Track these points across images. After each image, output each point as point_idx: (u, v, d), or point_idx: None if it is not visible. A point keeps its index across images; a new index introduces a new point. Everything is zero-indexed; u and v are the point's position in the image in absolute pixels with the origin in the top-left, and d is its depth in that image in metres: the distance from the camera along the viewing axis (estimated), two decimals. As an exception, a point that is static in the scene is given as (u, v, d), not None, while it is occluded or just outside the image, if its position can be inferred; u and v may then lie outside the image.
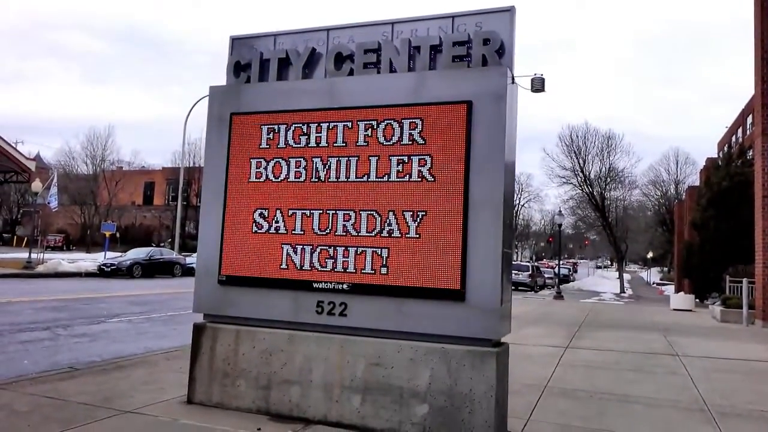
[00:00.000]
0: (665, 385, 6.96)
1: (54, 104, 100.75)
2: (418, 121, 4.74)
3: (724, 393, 6.61)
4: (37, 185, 28.02)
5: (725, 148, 40.26)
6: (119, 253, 33.01)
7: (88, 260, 31.26)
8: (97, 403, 5.16)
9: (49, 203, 32.14)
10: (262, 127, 5.25)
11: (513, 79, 4.76)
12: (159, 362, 7.17)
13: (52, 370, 6.58)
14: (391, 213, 4.74)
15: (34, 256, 27.18)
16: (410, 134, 4.76)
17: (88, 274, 25.70)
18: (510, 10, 4.83)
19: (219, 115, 5.47)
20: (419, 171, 4.70)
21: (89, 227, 56.84)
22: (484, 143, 4.56)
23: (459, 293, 4.48)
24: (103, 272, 25.91)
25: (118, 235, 49.18)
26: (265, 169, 5.21)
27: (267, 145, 5.23)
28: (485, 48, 4.75)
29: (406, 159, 4.75)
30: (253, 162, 5.25)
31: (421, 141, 4.72)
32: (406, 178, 4.73)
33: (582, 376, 7.31)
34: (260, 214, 5.18)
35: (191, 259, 28.50)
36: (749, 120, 38.19)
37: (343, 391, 4.73)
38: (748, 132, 37.74)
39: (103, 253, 34.98)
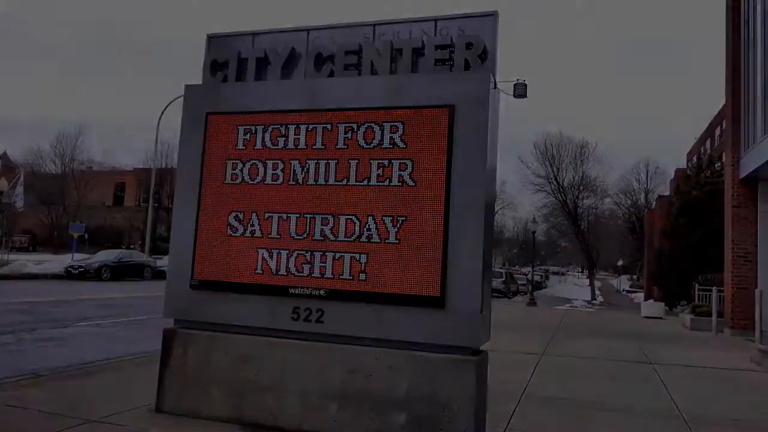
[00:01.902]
0: (641, 392, 6.98)
1: (23, 101, 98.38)
2: (399, 124, 4.67)
3: (697, 401, 6.66)
4: (2, 184, 27.33)
5: (694, 159, 41.17)
6: (88, 255, 32.24)
7: (55, 262, 30.42)
8: (61, 411, 4.95)
9: (14, 203, 31.34)
10: (239, 127, 5.12)
11: (495, 84, 4.72)
12: (127, 368, 6.96)
13: (15, 376, 6.34)
14: (370, 218, 4.65)
15: (-2, 257, 26.40)
16: (391, 138, 4.68)
17: (55, 276, 25.05)
18: (493, 15, 4.80)
19: (194, 115, 5.32)
20: (400, 175, 4.62)
21: (57, 228, 55.52)
22: (465, 148, 4.50)
23: (439, 300, 4.41)
24: (71, 274, 25.31)
25: (86, 236, 48.03)
26: (241, 170, 5.08)
27: (243, 146, 5.10)
28: (468, 52, 4.71)
29: (386, 163, 4.66)
30: (229, 163, 5.12)
31: (402, 145, 4.65)
32: (387, 183, 4.65)
33: (558, 383, 7.30)
34: (235, 217, 5.04)
35: (162, 262, 27.99)
36: (717, 132, 39.15)
37: (320, 399, 4.61)
38: (716, 143, 38.69)
39: (71, 254, 34.14)
